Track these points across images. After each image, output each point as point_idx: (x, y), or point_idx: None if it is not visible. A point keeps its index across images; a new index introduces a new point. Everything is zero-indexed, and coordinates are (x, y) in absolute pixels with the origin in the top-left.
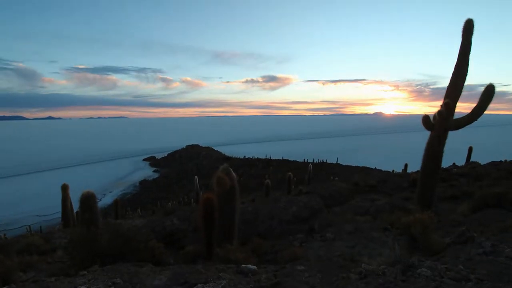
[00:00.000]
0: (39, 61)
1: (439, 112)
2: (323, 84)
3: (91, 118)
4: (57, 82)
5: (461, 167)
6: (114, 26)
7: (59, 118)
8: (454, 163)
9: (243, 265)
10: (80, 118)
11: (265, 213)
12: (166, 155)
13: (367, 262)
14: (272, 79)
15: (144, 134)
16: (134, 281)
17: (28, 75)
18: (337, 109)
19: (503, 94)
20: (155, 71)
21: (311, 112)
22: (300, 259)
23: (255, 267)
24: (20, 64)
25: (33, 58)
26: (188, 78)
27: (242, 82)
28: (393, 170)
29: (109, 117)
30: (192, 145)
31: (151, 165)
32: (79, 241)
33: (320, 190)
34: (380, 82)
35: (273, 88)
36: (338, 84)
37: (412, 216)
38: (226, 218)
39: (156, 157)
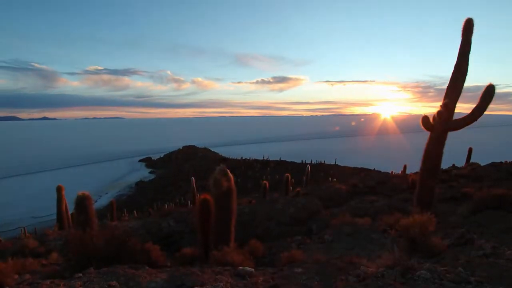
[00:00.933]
0: (63, 64)
1: (438, 112)
2: (332, 85)
3: (86, 118)
4: (70, 83)
5: (461, 168)
6: (142, 30)
7: (54, 119)
8: (453, 164)
9: (240, 267)
10: (75, 119)
11: (263, 215)
12: (162, 156)
13: (366, 265)
14: (282, 80)
15: (139, 135)
16: (130, 284)
17: (46, 76)
18: (336, 110)
19: (508, 95)
20: (173, 73)
21: (310, 112)
22: (298, 261)
23: (252, 269)
24: (36, 65)
25: (58, 61)
26: (199, 79)
27: (253, 83)
28: (392, 171)
29: (105, 118)
30: (189, 146)
31: (147, 166)
32: (74, 243)
33: (318, 191)
34: (390, 83)
35: (281, 89)
36: (347, 84)
37: (411, 218)
38: (223, 220)
39: (152, 158)
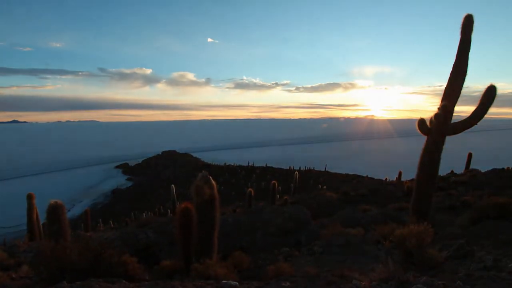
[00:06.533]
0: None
1: (436, 115)
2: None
3: (58, 121)
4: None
5: (460, 174)
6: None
7: (24, 122)
8: (452, 171)
9: (223, 281)
10: (47, 122)
11: (248, 225)
12: (140, 161)
13: (358, 278)
14: (337, 86)
15: (115, 139)
16: None
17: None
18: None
19: None
20: (258, 80)
21: (308, 114)
22: (286, 274)
23: (236, 283)
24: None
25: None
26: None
27: (306, 88)
28: (386, 178)
29: (79, 121)
30: (169, 151)
31: (124, 172)
32: (46, 255)
33: (307, 200)
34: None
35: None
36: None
37: (407, 228)
38: (205, 230)
39: (130, 164)
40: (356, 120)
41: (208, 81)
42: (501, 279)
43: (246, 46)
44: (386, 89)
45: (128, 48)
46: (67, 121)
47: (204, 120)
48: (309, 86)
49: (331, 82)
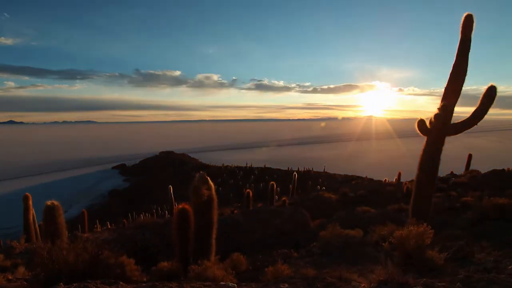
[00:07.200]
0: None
1: (436, 115)
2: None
3: (55, 122)
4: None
5: (460, 175)
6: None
7: (21, 123)
8: (452, 172)
9: (222, 283)
10: (44, 123)
11: (246, 226)
12: (137, 162)
13: (357, 280)
14: (347, 88)
15: (112, 140)
16: None
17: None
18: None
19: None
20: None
21: (307, 115)
22: (284, 276)
23: (235, 285)
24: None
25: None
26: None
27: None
28: (386, 179)
29: (76, 122)
30: (166, 151)
31: (121, 173)
32: (42, 257)
33: (306, 201)
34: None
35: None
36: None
37: (406, 229)
38: (203, 232)
39: (127, 165)
40: (355, 120)
41: (214, 82)
42: (501, 281)
43: (255, 48)
44: (391, 90)
45: (137, 51)
46: (64, 122)
47: (204, 120)
48: (318, 87)
49: (339, 84)
